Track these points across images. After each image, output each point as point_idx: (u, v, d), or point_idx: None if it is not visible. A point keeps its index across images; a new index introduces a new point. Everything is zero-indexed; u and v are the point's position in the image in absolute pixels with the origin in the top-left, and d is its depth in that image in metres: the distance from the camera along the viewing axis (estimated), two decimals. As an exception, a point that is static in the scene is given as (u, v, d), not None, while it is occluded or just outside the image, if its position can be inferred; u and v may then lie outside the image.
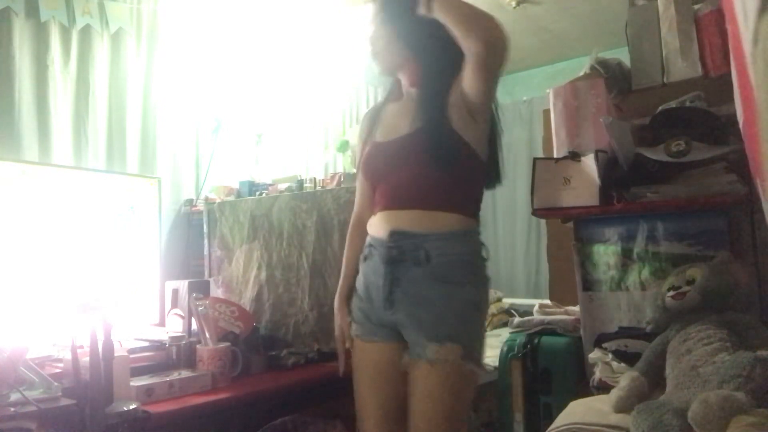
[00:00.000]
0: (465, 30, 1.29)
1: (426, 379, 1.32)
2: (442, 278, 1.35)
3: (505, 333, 2.41)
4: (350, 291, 1.55)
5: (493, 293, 3.36)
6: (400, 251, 1.36)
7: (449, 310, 1.35)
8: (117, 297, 1.96)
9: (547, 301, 2.56)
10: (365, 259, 1.46)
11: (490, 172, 1.50)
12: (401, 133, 1.43)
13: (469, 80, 1.34)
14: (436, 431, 1.32)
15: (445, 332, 1.33)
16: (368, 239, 1.47)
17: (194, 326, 1.82)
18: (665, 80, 1.98)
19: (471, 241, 1.42)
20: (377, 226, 1.43)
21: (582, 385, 1.91)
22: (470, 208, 1.43)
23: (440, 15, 1.33)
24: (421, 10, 1.36)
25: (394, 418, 1.42)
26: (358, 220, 1.58)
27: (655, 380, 1.48)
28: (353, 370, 1.50)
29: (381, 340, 1.43)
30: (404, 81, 1.52)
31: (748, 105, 0.71)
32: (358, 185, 1.61)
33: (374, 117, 1.57)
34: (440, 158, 1.36)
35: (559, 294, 2.60)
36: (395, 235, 1.37)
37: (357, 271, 1.54)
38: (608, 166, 1.82)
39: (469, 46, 1.29)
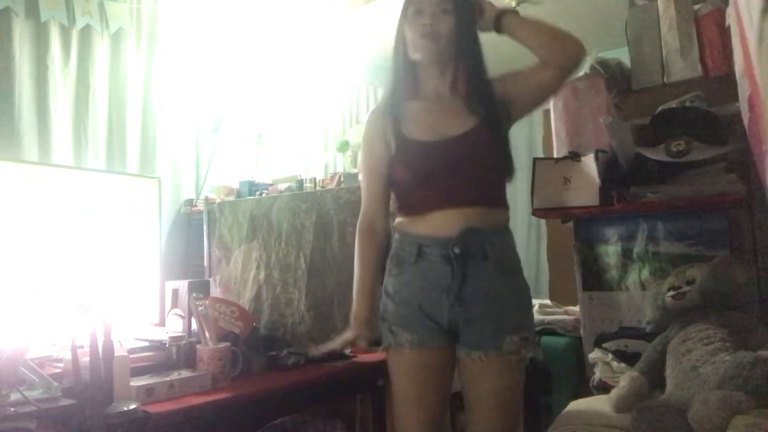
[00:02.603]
0: (549, 43, 1.40)
1: (503, 371, 1.36)
2: (505, 271, 1.40)
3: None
4: (374, 301, 1.51)
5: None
6: (465, 247, 1.36)
7: (518, 302, 1.42)
8: (117, 297, 1.96)
9: (547, 301, 2.57)
10: (417, 259, 1.41)
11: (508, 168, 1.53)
12: (453, 132, 1.41)
13: (539, 90, 1.44)
14: (510, 418, 1.39)
15: (521, 324, 1.40)
16: (414, 240, 1.42)
17: (194, 326, 1.81)
18: (665, 80, 1.98)
19: (511, 232, 1.49)
20: (437, 226, 1.39)
21: (582, 385, 1.91)
22: (507, 202, 1.49)
23: (518, 36, 1.43)
24: (486, 28, 1.45)
25: (436, 420, 1.44)
26: (370, 229, 1.53)
27: (655, 380, 1.49)
28: (397, 378, 1.46)
29: (438, 345, 1.41)
30: (434, 78, 1.48)
31: (754, 103, 0.71)
32: (370, 190, 1.54)
33: (395, 115, 1.49)
34: (497, 158, 1.44)
35: (559, 294, 2.61)
36: (467, 232, 1.36)
37: (377, 282, 1.51)
38: (608, 166, 1.82)
39: (553, 60, 1.39)
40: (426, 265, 1.39)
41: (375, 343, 1.61)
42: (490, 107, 1.43)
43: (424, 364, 1.42)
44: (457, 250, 1.35)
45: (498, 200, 1.45)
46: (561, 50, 1.37)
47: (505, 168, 1.47)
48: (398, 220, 1.50)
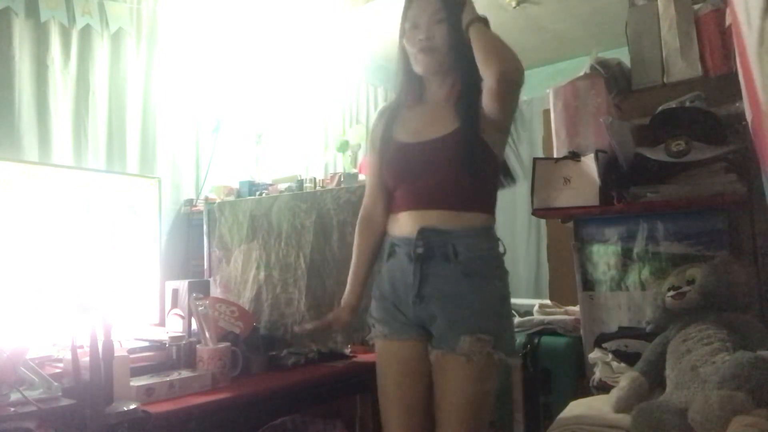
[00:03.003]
0: (484, 59, 1.38)
1: (458, 371, 1.38)
2: (471, 273, 1.41)
3: (505, 333, 2.40)
4: (363, 290, 1.60)
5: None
6: (428, 248, 1.41)
7: (479, 304, 1.40)
8: (117, 297, 1.96)
9: (547, 301, 2.57)
10: (388, 257, 1.50)
11: (506, 173, 1.57)
12: (431, 136, 1.46)
13: (486, 103, 1.41)
14: (468, 421, 1.38)
15: (477, 325, 1.38)
16: (390, 239, 1.51)
17: (194, 326, 1.81)
18: (665, 80, 1.98)
19: (492, 237, 1.48)
20: (403, 226, 1.48)
21: (582, 385, 1.91)
22: (491, 206, 1.49)
23: (472, 38, 1.42)
24: (461, 26, 1.44)
25: (419, 411, 1.46)
26: (368, 220, 1.60)
27: (655, 380, 1.49)
28: (378, 369, 1.53)
29: (409, 338, 1.47)
30: (434, 86, 1.53)
31: (754, 104, 0.70)
32: (370, 185, 1.62)
33: (391, 118, 1.57)
34: (471, 163, 1.42)
35: (559, 294, 2.60)
36: (425, 232, 1.42)
37: (369, 271, 1.59)
38: (608, 166, 1.82)
39: (486, 75, 1.38)
40: (396, 263, 1.47)
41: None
42: (472, 112, 1.44)
43: (398, 356, 1.48)
44: (419, 251, 1.41)
45: (467, 204, 1.44)
46: (494, 63, 1.36)
47: (485, 173, 1.46)
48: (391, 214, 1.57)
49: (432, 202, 1.44)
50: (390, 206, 1.56)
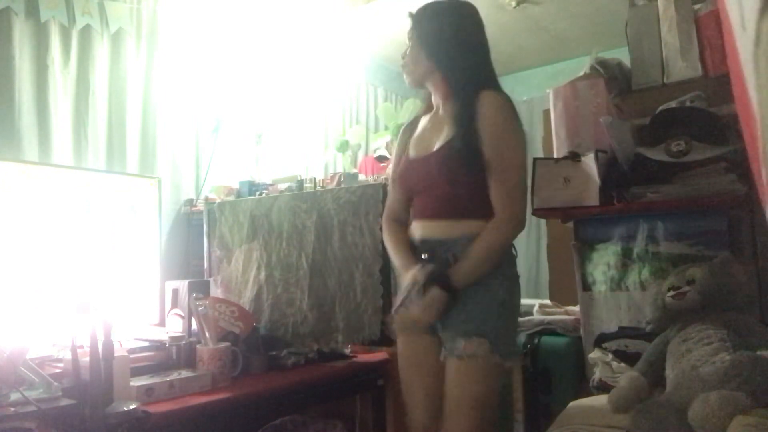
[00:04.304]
0: (501, 209, 1.46)
1: (456, 373, 1.44)
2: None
3: (505, 333, 2.40)
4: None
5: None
6: (432, 256, 1.48)
7: (476, 308, 1.45)
8: (117, 297, 1.96)
9: (547, 301, 2.56)
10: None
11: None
12: (430, 149, 1.53)
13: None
14: (469, 422, 1.42)
15: (473, 329, 1.43)
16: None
17: (194, 326, 1.82)
18: (665, 80, 1.98)
19: None
20: (414, 234, 1.57)
21: (582, 385, 1.91)
22: (488, 212, 1.48)
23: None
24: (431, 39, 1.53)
25: (439, 401, 1.50)
26: (393, 217, 1.66)
27: (655, 380, 1.48)
28: (399, 361, 1.60)
29: (422, 332, 1.53)
30: (434, 94, 1.60)
31: (744, 111, 0.69)
32: (390, 192, 1.70)
33: (410, 131, 1.66)
34: (461, 173, 1.46)
35: (559, 294, 2.60)
36: (428, 242, 1.51)
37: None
38: (608, 166, 1.82)
39: (498, 216, 1.46)
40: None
41: (374, 342, 1.73)
42: (464, 122, 1.46)
43: (415, 348, 1.55)
44: (424, 257, 1.49)
45: (465, 213, 1.48)
46: (508, 220, 1.47)
47: (476, 182, 1.46)
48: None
49: (433, 214, 1.52)
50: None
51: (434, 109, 1.61)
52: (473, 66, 1.52)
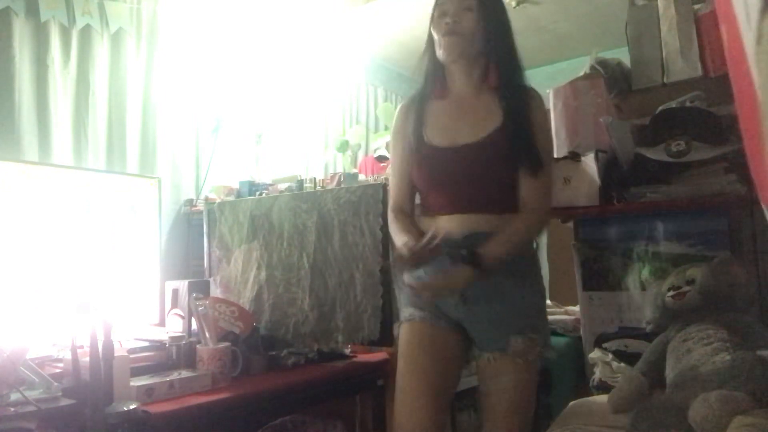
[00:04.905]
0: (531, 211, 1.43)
1: (514, 373, 1.38)
2: (513, 273, 1.41)
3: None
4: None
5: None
6: (472, 251, 1.35)
7: (526, 303, 1.42)
8: (117, 297, 1.96)
9: (548, 301, 2.56)
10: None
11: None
12: (469, 138, 1.43)
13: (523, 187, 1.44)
14: (525, 420, 1.40)
15: (525, 324, 1.39)
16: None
17: (194, 326, 1.81)
18: (665, 80, 1.98)
19: None
20: (444, 229, 1.39)
21: (582, 385, 1.91)
22: (519, 204, 1.46)
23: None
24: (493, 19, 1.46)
25: (445, 400, 1.45)
26: (400, 208, 1.54)
27: (655, 380, 1.48)
28: (406, 351, 1.46)
29: (446, 325, 1.44)
30: (461, 77, 1.49)
31: (746, 105, 0.69)
32: (396, 181, 1.56)
33: (419, 114, 1.52)
34: (519, 159, 1.41)
35: (559, 294, 2.60)
36: (471, 237, 1.38)
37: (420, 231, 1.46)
38: (608, 166, 1.82)
39: (525, 213, 1.42)
40: (437, 264, 1.39)
41: (374, 342, 1.62)
42: (516, 108, 1.43)
43: (431, 337, 1.44)
44: (463, 252, 1.35)
45: (508, 205, 1.42)
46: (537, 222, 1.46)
47: (525, 169, 1.42)
48: (419, 215, 1.54)
49: (474, 207, 1.42)
50: (422, 206, 1.54)
51: (453, 95, 1.50)
52: (519, 62, 1.50)
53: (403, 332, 1.50)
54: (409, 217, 1.53)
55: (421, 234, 1.39)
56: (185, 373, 1.62)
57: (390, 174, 1.61)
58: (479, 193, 1.42)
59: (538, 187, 1.42)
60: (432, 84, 1.53)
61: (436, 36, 1.48)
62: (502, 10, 1.50)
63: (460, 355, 1.47)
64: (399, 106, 1.62)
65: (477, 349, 1.44)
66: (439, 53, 1.47)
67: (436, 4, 1.50)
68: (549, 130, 1.51)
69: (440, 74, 1.52)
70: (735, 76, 0.74)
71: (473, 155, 1.42)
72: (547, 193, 1.47)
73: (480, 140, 1.42)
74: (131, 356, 1.56)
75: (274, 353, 1.95)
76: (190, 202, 3.11)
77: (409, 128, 1.52)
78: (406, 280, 1.35)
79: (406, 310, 1.51)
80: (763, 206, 0.68)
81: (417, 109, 1.53)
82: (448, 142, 1.45)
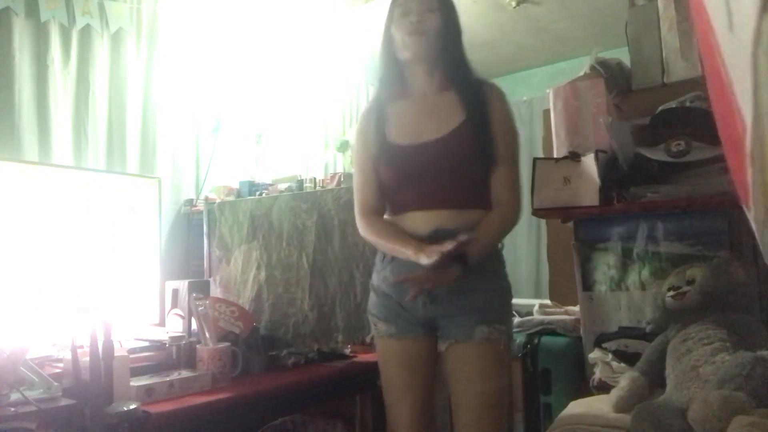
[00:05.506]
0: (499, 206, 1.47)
1: (479, 359, 1.41)
2: (479, 268, 1.41)
3: (505, 333, 2.41)
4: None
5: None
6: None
7: (492, 295, 1.45)
8: (117, 297, 1.96)
9: (547, 301, 2.56)
10: (392, 259, 1.47)
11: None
12: (432, 135, 1.44)
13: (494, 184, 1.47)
14: (490, 408, 1.40)
15: (493, 316, 1.42)
16: None
17: (194, 326, 1.82)
18: (665, 80, 1.98)
19: None
20: (409, 227, 1.45)
21: (582, 385, 1.91)
22: (487, 201, 1.47)
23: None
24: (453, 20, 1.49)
25: (427, 410, 1.50)
26: (371, 211, 1.54)
27: (655, 380, 1.49)
28: (383, 368, 1.53)
29: (415, 336, 1.47)
30: (422, 76, 1.50)
31: (725, 111, 0.68)
32: (361, 185, 1.56)
33: (379, 117, 1.53)
34: (483, 157, 1.43)
35: (559, 294, 2.60)
36: (438, 233, 1.40)
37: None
38: (608, 166, 1.82)
39: (497, 209, 1.47)
40: (403, 263, 1.43)
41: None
42: (477, 104, 1.45)
43: (404, 353, 1.48)
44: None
45: (474, 201, 1.45)
46: (509, 217, 1.49)
47: (487, 169, 1.46)
48: (385, 217, 1.55)
49: (439, 203, 1.44)
50: (388, 207, 1.55)
51: (414, 95, 1.51)
52: (470, 62, 1.53)
53: (378, 347, 1.55)
54: (387, 221, 1.53)
55: (412, 238, 1.42)
56: (185, 373, 1.62)
57: (354, 178, 1.59)
58: (445, 189, 1.44)
59: (505, 181, 1.45)
60: (392, 85, 1.54)
61: (398, 35, 1.47)
62: (456, 11, 1.52)
63: (432, 353, 1.50)
64: (362, 112, 1.63)
65: (441, 340, 1.46)
66: (402, 53, 1.48)
67: (395, 4, 1.50)
68: (513, 122, 1.49)
69: (399, 75, 1.52)
70: (710, 83, 0.74)
71: (437, 151, 1.44)
72: (516, 187, 1.48)
73: (443, 136, 1.44)
74: (131, 356, 1.56)
75: (274, 353, 1.95)
76: (190, 202, 3.12)
77: (371, 130, 1.52)
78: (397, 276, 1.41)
79: (377, 323, 1.52)
80: (743, 206, 0.68)
81: (378, 111, 1.54)
82: (412, 140, 1.46)
